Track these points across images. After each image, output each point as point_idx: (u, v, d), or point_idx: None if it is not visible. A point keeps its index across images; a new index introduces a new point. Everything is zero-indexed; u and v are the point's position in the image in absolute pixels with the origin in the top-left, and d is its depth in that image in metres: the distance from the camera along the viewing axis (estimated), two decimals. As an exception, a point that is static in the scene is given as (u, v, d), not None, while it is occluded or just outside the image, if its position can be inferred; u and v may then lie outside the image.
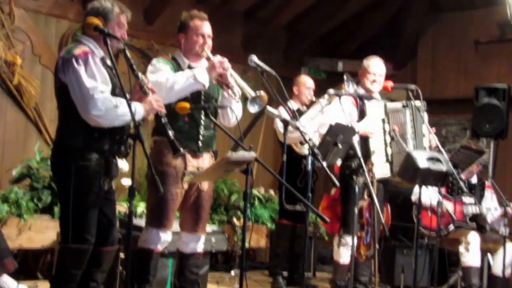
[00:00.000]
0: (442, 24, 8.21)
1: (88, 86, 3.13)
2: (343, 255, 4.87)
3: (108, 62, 3.37)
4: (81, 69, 3.15)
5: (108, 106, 3.14)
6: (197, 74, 3.75)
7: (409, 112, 4.95)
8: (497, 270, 5.41)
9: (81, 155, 3.23)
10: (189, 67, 3.95)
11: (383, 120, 4.91)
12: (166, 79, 3.72)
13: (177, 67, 3.93)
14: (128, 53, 3.32)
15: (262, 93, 3.75)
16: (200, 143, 3.96)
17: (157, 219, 3.92)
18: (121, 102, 3.18)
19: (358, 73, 5.12)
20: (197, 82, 3.75)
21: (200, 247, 4.11)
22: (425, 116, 5.03)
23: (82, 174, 3.22)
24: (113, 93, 3.26)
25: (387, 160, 4.93)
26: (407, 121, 4.93)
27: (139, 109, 3.25)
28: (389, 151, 4.90)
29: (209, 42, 3.99)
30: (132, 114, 3.03)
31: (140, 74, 3.35)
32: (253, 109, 3.74)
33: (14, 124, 5.65)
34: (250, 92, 3.75)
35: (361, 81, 5.03)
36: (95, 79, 3.17)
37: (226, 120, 4.06)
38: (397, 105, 4.96)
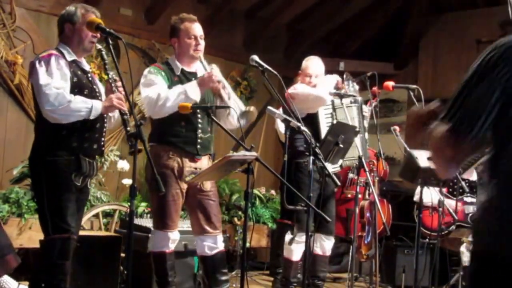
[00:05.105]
0: (444, 23, 8.20)
1: (42, 83, 3.30)
2: (296, 253, 4.83)
3: (85, 66, 3.59)
4: (41, 69, 3.33)
5: (61, 102, 3.29)
6: (189, 90, 3.78)
7: (356, 107, 4.99)
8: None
9: (50, 151, 3.38)
10: (183, 72, 3.99)
11: (332, 116, 4.93)
12: (157, 95, 3.76)
13: (170, 73, 3.96)
14: (104, 53, 3.54)
15: (252, 108, 3.77)
16: (198, 146, 3.96)
17: (162, 221, 3.95)
18: (75, 98, 3.34)
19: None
20: (188, 99, 3.77)
21: (220, 245, 4.04)
22: (366, 108, 5.17)
23: (51, 169, 3.37)
24: (81, 94, 3.41)
25: None
26: (354, 116, 4.96)
27: (96, 105, 3.40)
28: None
29: (202, 42, 4.00)
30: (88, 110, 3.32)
31: (111, 73, 3.52)
32: (241, 122, 3.76)
33: (15, 123, 5.65)
34: (241, 107, 3.77)
35: (301, 80, 5.04)
36: (51, 77, 3.33)
37: (228, 123, 4.03)
38: (345, 101, 4.97)
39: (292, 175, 4.65)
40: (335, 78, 5.00)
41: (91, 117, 3.39)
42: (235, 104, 3.93)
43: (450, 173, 1.82)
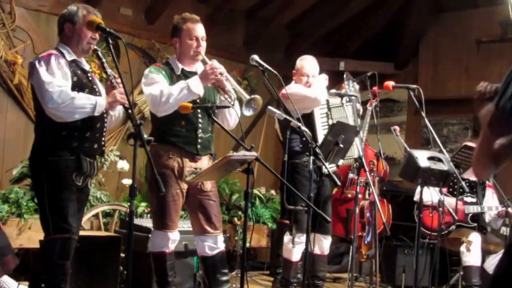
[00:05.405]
0: (444, 23, 8.20)
1: (45, 80, 3.30)
2: (295, 253, 4.83)
3: (85, 66, 3.59)
4: (41, 69, 3.33)
5: (64, 99, 3.29)
6: (191, 85, 3.77)
7: (351, 106, 5.00)
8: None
9: (51, 151, 3.38)
10: (183, 72, 3.97)
11: (327, 115, 4.92)
12: (160, 92, 3.75)
13: (171, 72, 3.94)
14: (99, 53, 3.54)
15: (257, 96, 3.74)
16: (198, 146, 3.95)
17: (161, 221, 3.94)
18: (79, 95, 3.34)
19: (293, 73, 5.12)
20: (191, 93, 3.76)
21: (221, 245, 4.02)
22: (359, 106, 5.22)
23: (52, 169, 3.37)
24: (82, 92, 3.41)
25: None
26: (349, 115, 4.97)
27: (100, 101, 3.40)
28: None
29: (203, 44, 3.98)
30: (92, 106, 3.32)
31: (109, 71, 3.52)
32: (247, 112, 3.73)
33: (15, 123, 5.65)
34: (245, 96, 3.75)
35: (296, 80, 5.03)
36: (53, 76, 3.33)
37: (225, 123, 4.02)
38: (340, 100, 5.00)
39: (289, 176, 4.64)
40: (324, 77, 4.99)
41: (96, 114, 3.38)
42: (240, 95, 3.87)
43: (487, 172, 1.74)
